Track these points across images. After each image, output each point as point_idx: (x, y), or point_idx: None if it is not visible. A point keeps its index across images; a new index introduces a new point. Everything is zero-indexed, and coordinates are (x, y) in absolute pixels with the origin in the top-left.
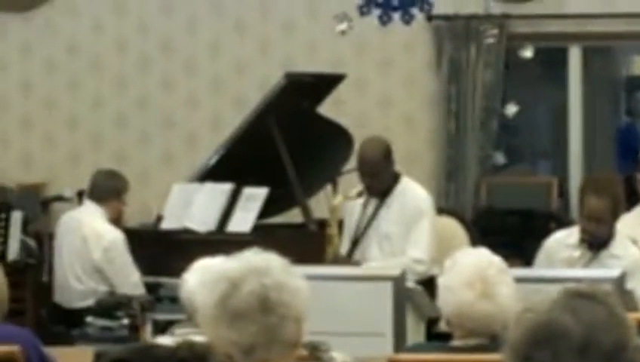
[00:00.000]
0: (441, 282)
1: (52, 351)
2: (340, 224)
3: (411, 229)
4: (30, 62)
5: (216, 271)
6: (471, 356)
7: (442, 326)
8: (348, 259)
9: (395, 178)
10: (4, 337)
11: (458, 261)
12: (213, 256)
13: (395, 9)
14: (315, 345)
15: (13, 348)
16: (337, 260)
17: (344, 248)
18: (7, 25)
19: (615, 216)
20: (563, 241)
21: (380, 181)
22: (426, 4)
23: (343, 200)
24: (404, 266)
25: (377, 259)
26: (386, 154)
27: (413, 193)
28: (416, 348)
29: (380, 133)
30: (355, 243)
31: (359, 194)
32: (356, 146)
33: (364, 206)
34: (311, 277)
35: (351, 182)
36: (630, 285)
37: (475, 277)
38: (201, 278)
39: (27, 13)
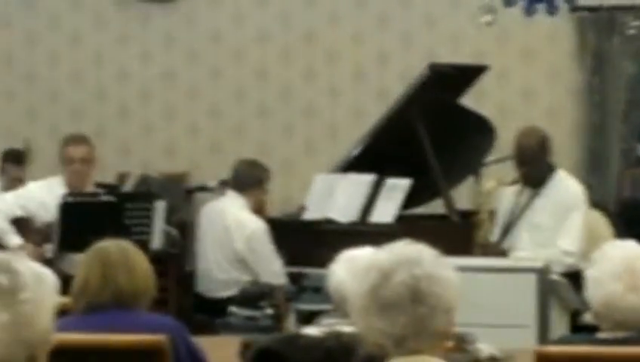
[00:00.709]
0: (589, 274)
1: (197, 341)
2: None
3: (563, 221)
4: (173, 52)
5: (366, 262)
6: (619, 348)
7: (587, 318)
8: (497, 247)
9: (551, 169)
10: (152, 326)
11: (606, 253)
12: (356, 246)
13: (540, 0)
14: (461, 336)
15: (161, 338)
16: (486, 246)
17: (495, 235)
18: (150, 15)
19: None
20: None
21: (535, 170)
22: None
23: (496, 185)
24: (553, 257)
25: (526, 249)
26: (543, 143)
27: (567, 185)
28: (562, 340)
29: (522, 125)
30: (506, 231)
31: (513, 182)
32: (499, 138)
33: (518, 194)
34: (455, 269)
35: (494, 173)
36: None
37: (623, 269)
38: (349, 269)
39: (170, 3)
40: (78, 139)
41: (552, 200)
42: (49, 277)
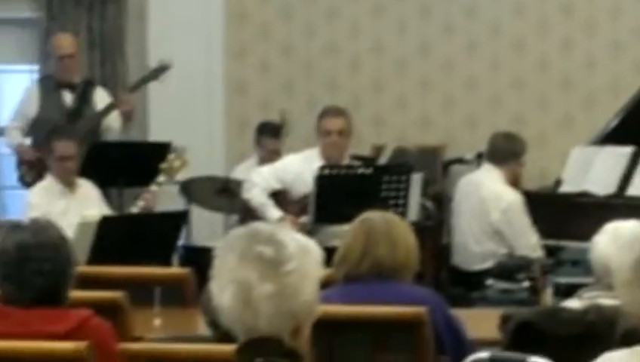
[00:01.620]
0: None
1: (454, 313)
2: None
3: None
4: (430, 25)
5: (631, 234)
6: None
7: None
8: None
9: None
10: (411, 299)
11: None
12: (613, 219)
13: None
14: None
15: (421, 310)
16: None
17: None
18: None
19: None
20: None
21: None
22: None
23: None
24: None
25: None
26: None
27: None
28: None
29: None
30: None
31: None
32: None
33: None
34: None
35: None
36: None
37: None
38: (613, 241)
39: None
40: (336, 112)
41: None
42: (314, 248)
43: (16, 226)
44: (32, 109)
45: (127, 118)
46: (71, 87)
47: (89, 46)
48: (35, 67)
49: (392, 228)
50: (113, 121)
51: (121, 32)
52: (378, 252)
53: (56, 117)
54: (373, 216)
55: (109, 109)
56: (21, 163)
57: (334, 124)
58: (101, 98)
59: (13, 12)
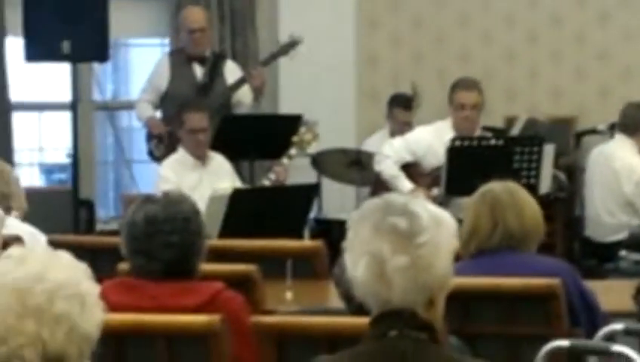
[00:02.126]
0: None
1: (587, 285)
2: None
3: None
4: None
5: None
6: None
7: None
8: None
9: None
10: (545, 269)
11: None
12: None
13: None
14: None
15: (554, 281)
16: None
17: None
18: None
19: None
20: None
21: None
22: None
23: None
24: None
25: None
26: None
27: None
28: None
29: None
30: None
31: None
32: None
33: None
34: None
35: None
36: None
37: None
38: None
39: None
40: (470, 85)
41: None
42: (447, 220)
43: (147, 199)
44: (163, 83)
45: (258, 92)
46: (201, 60)
47: (220, 19)
48: (166, 41)
49: (516, 197)
50: (244, 96)
51: (251, 4)
52: (507, 222)
53: (186, 91)
54: (494, 187)
55: (240, 83)
56: (151, 136)
57: (468, 97)
58: (231, 71)
59: None
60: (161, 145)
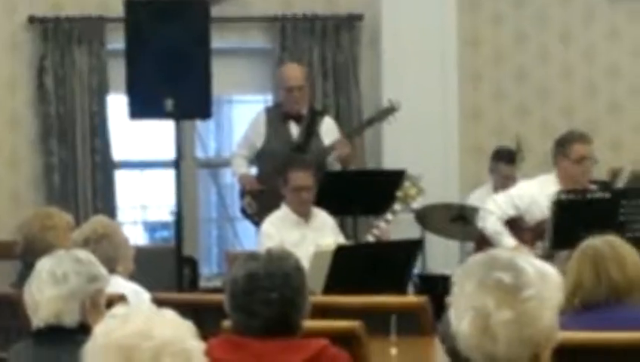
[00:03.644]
0: None
1: None
2: None
3: None
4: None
5: None
6: None
7: None
8: None
9: None
10: None
11: None
12: None
13: None
14: None
15: None
16: None
17: None
18: None
19: None
20: None
21: None
22: None
23: None
24: None
25: None
26: None
27: None
28: None
29: None
30: None
31: None
32: None
33: None
34: None
35: None
36: None
37: None
38: None
39: None
40: (586, 138)
41: None
42: (552, 274)
43: (250, 256)
44: (259, 139)
45: (343, 163)
46: (298, 118)
47: (323, 76)
48: (269, 97)
49: (616, 250)
50: (332, 163)
51: (355, 61)
52: (611, 274)
53: (282, 149)
54: (594, 242)
55: (328, 151)
56: (243, 194)
57: (587, 150)
58: (327, 129)
59: (248, 42)
60: (254, 202)
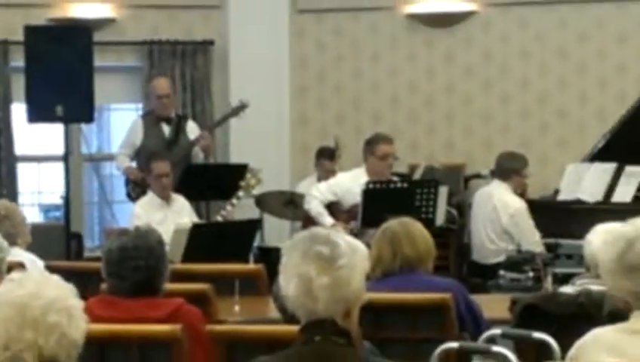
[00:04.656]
0: None
1: (473, 298)
2: None
3: None
4: (453, 69)
5: (615, 233)
6: None
7: None
8: None
9: None
10: (438, 287)
11: None
12: (600, 222)
13: None
14: None
15: (446, 295)
16: None
17: None
18: (433, 38)
19: None
20: None
21: None
22: None
23: None
24: None
25: None
26: None
27: None
28: None
29: None
30: None
31: None
32: None
33: None
34: None
35: None
36: None
37: None
38: (602, 239)
39: (450, 27)
40: (388, 139)
41: None
42: (361, 247)
43: (122, 232)
44: (137, 139)
45: (206, 152)
46: (168, 121)
47: (182, 88)
48: (140, 105)
49: (409, 229)
50: (197, 154)
51: (207, 77)
52: (404, 250)
53: (156, 145)
54: (391, 224)
55: (193, 143)
56: (128, 182)
57: (389, 149)
58: (192, 130)
59: (123, 62)
60: (137, 188)
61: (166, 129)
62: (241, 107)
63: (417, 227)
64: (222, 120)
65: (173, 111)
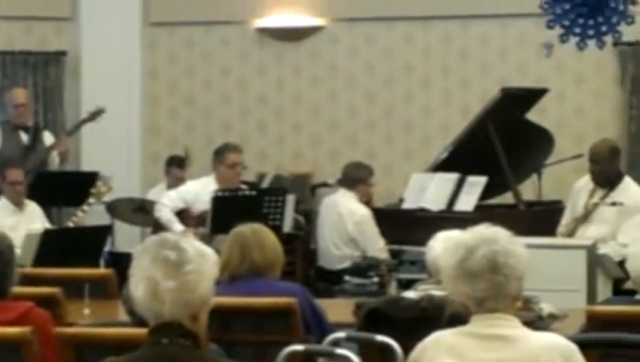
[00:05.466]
0: (630, 252)
1: (319, 302)
2: None
3: (625, 220)
4: (300, 80)
5: (455, 240)
6: None
7: (628, 285)
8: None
9: (620, 176)
10: (284, 292)
11: None
12: (444, 229)
13: (590, 37)
14: (528, 298)
15: (292, 300)
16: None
17: (565, 220)
18: (282, 51)
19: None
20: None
21: (601, 170)
22: (617, 33)
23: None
24: (612, 248)
25: (591, 239)
26: (613, 150)
27: (634, 191)
28: (607, 302)
29: (575, 136)
30: (578, 220)
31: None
32: (556, 145)
33: (592, 193)
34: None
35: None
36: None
37: None
38: (443, 246)
39: (298, 41)
40: (238, 148)
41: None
42: (209, 253)
43: None
44: None
45: (62, 157)
46: (25, 129)
47: (35, 98)
48: None
49: (259, 235)
50: (53, 159)
51: (60, 86)
52: (253, 255)
53: (15, 152)
54: (243, 229)
55: (50, 149)
56: None
57: (239, 158)
58: (48, 138)
59: None
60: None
61: (24, 136)
62: (98, 112)
63: (268, 234)
64: (80, 124)
65: (30, 120)
